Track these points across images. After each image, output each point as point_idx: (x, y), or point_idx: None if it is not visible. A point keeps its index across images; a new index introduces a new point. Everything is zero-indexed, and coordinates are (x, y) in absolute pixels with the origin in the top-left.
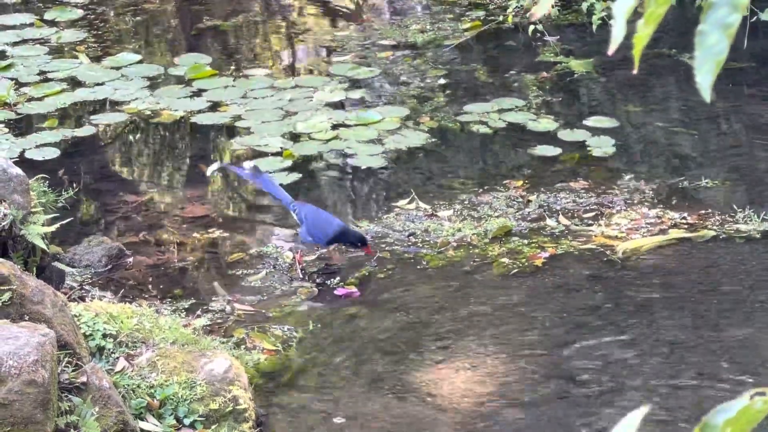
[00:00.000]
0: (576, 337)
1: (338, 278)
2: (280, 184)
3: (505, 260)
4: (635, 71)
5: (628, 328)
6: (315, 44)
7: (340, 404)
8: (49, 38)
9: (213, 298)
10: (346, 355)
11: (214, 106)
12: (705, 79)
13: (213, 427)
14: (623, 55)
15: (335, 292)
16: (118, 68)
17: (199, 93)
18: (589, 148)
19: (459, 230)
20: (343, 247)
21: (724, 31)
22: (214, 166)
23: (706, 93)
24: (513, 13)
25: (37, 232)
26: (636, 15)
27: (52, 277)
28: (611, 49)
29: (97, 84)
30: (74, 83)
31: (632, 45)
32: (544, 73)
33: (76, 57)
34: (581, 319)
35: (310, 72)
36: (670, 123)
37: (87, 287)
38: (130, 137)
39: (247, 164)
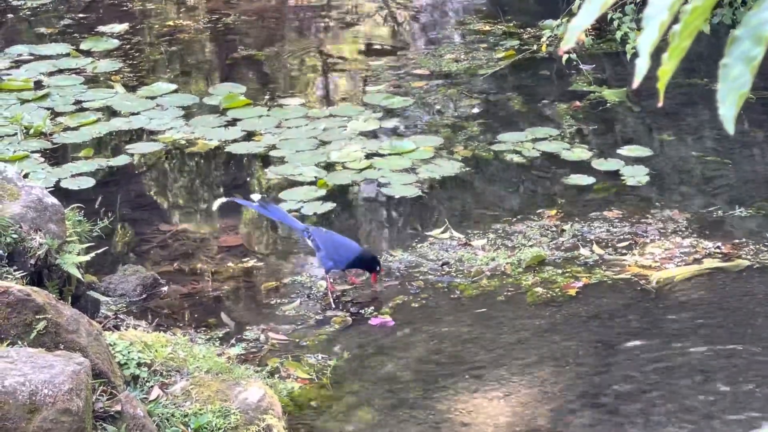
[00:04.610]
0: (610, 367)
1: (372, 308)
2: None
3: (539, 290)
4: (660, 104)
5: (661, 357)
6: (349, 74)
7: None
8: (84, 68)
9: (247, 327)
10: (380, 384)
11: (249, 136)
12: (728, 111)
13: None
14: (656, 85)
15: (369, 321)
16: (153, 98)
17: (233, 122)
18: (622, 178)
19: (493, 259)
20: (360, 271)
21: (748, 64)
22: (221, 200)
23: (730, 125)
24: (547, 43)
25: (72, 261)
26: (664, 43)
27: (87, 306)
28: (635, 82)
29: (133, 113)
30: (110, 113)
31: (657, 78)
32: (577, 102)
33: (112, 87)
34: (615, 348)
35: (345, 101)
36: (704, 152)
37: (122, 316)
38: (165, 166)
39: (255, 197)
